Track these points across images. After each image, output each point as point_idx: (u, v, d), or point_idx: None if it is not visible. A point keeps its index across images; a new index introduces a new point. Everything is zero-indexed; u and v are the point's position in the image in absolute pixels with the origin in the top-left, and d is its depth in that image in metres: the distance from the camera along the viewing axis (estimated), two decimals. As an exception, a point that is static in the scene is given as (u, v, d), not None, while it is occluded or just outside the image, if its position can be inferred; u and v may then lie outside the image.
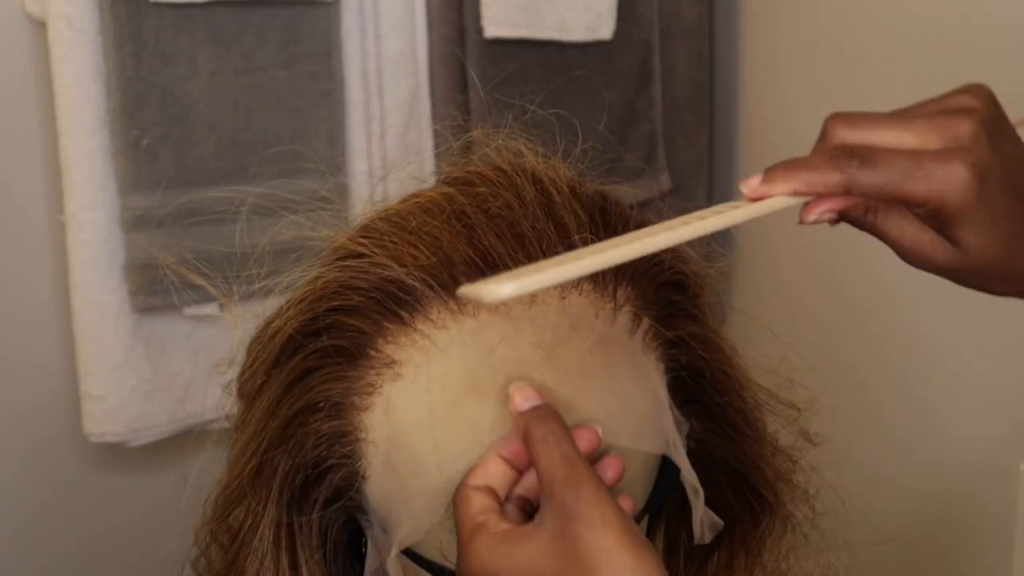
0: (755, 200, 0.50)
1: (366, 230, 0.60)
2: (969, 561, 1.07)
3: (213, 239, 1.17)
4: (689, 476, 0.57)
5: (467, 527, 0.50)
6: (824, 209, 0.50)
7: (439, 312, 0.55)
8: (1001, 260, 0.51)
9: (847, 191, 0.49)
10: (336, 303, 0.57)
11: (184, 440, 1.24)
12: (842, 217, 0.52)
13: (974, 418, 1.05)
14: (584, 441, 0.52)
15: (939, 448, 1.10)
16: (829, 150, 0.50)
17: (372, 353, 0.56)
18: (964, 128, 0.50)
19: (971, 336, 1.06)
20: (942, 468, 1.10)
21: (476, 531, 0.50)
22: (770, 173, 0.50)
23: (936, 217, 0.50)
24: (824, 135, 0.51)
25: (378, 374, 0.56)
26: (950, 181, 0.48)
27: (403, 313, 0.55)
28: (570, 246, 0.56)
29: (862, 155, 0.49)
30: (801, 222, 0.51)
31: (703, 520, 0.58)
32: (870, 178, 0.49)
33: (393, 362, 0.55)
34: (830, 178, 0.49)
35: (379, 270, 0.57)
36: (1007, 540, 1.00)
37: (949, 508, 1.09)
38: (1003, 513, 1.00)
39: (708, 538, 0.59)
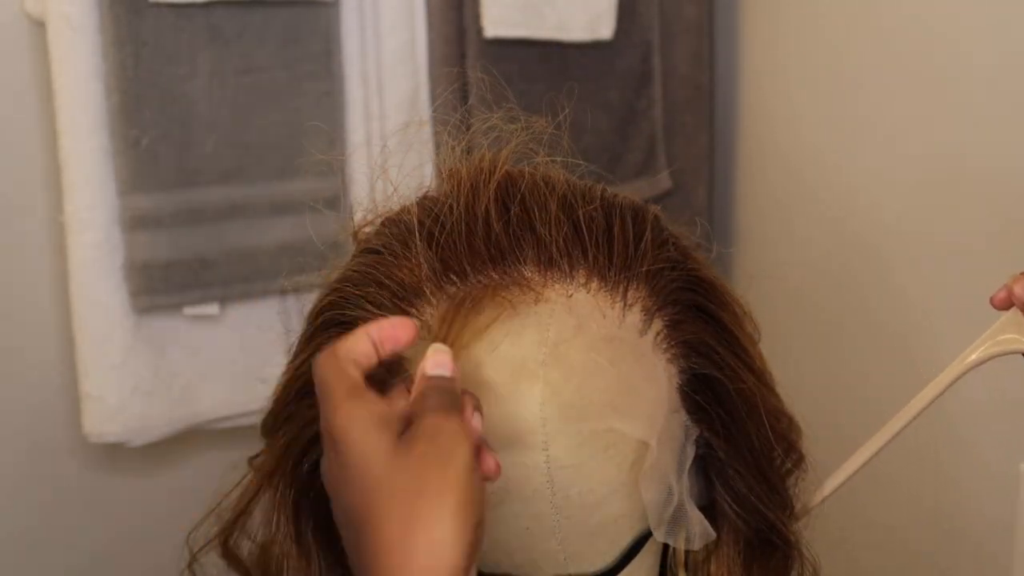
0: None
1: (380, 230, 0.61)
2: (969, 561, 1.07)
3: (213, 239, 1.17)
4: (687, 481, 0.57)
5: (341, 390, 0.50)
6: None
7: (446, 309, 0.55)
8: None
9: None
10: (349, 299, 0.58)
11: (184, 440, 1.24)
12: None
13: (974, 418, 1.05)
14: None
15: (939, 448, 1.09)
16: None
17: None
18: None
19: (971, 335, 1.06)
20: (942, 468, 1.10)
21: (353, 394, 0.50)
22: None
23: None
24: None
25: (387, 370, 0.56)
26: None
27: (412, 310, 0.56)
28: (583, 246, 0.57)
29: None
30: None
31: (696, 527, 0.58)
32: None
33: (401, 357, 0.56)
34: None
35: (392, 269, 0.57)
36: (1007, 540, 1.00)
37: (949, 508, 1.09)
38: (1003, 513, 1.00)
39: (697, 545, 0.59)
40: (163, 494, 1.29)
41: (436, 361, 0.52)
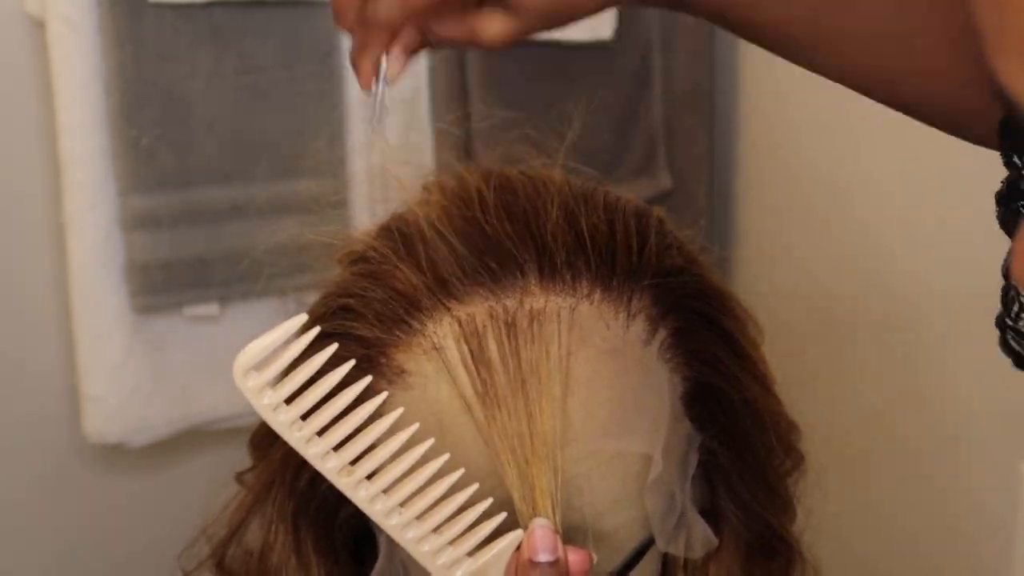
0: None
1: (377, 237, 0.60)
2: (969, 561, 1.07)
3: (213, 239, 1.17)
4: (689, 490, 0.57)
5: None
6: (393, 62, 0.56)
7: (449, 322, 0.55)
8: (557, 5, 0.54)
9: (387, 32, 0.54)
10: (347, 310, 0.57)
11: (184, 441, 1.24)
12: (413, 54, 0.55)
13: (974, 418, 1.05)
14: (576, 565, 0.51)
15: (939, 447, 1.09)
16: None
17: (383, 361, 0.56)
18: None
19: (971, 334, 1.06)
20: (942, 467, 1.10)
21: None
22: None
23: None
24: None
25: (389, 382, 0.56)
26: None
27: (413, 323, 0.55)
28: (586, 256, 0.56)
29: None
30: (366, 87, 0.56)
31: (698, 535, 0.58)
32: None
33: (404, 371, 0.55)
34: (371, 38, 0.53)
35: (390, 279, 0.56)
36: (1007, 540, 1.00)
37: (949, 508, 1.09)
38: (1003, 513, 1.00)
39: (699, 553, 0.59)
40: (163, 494, 1.29)
41: (544, 544, 0.50)
